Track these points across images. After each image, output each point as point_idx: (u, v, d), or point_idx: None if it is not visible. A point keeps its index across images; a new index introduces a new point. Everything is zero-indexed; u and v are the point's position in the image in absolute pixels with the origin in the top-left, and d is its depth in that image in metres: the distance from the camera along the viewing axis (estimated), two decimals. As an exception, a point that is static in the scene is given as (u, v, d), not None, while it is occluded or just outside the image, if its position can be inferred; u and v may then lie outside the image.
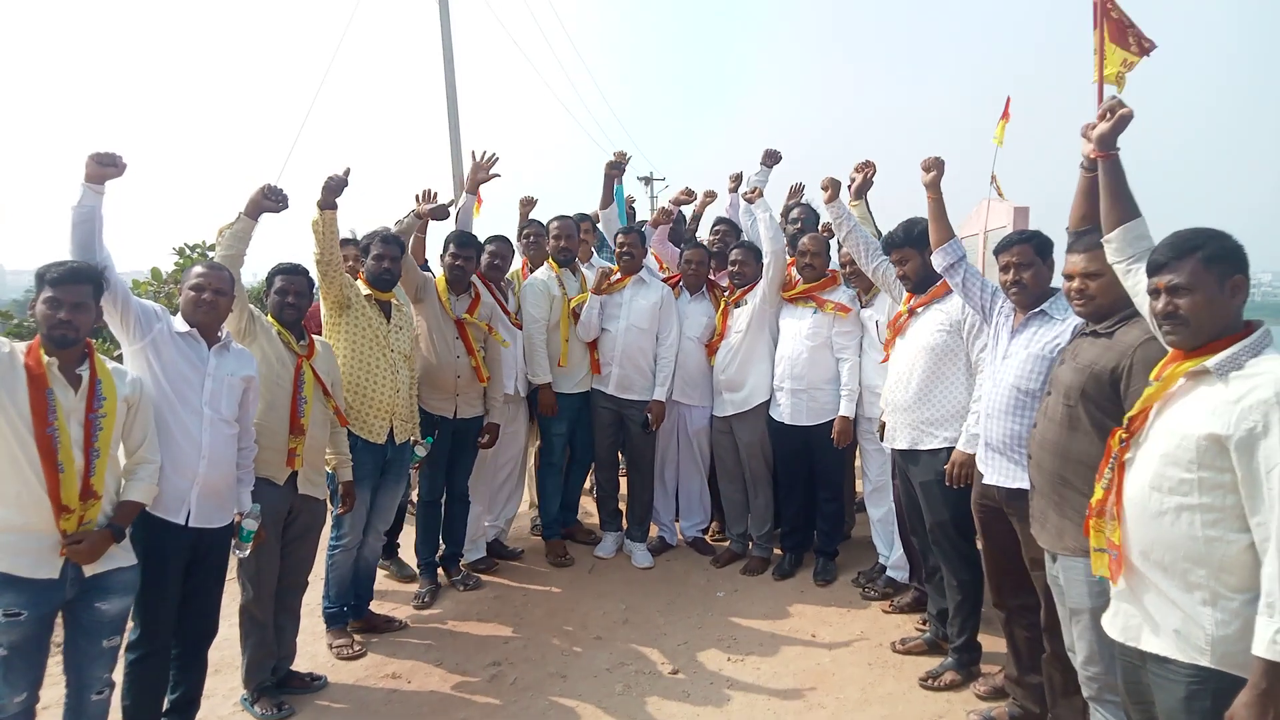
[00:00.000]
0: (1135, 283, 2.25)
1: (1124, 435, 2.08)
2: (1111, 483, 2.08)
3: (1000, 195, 10.36)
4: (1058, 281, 2.89)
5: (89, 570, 2.55)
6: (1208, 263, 1.94)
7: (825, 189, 4.06)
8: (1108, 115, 2.32)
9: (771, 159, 5.32)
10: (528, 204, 5.84)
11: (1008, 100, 9.35)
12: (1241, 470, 1.80)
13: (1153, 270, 2.03)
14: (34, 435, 2.41)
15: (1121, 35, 5.55)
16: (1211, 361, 1.90)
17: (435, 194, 4.24)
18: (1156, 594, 1.96)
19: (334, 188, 3.51)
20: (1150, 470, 1.98)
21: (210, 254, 5.65)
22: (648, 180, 30.86)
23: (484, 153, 4.65)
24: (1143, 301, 2.20)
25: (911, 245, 3.57)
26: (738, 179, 5.44)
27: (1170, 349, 2.05)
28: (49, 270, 2.52)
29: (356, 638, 3.93)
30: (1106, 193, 2.34)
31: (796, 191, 5.71)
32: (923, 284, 3.60)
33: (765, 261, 4.59)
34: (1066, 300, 2.73)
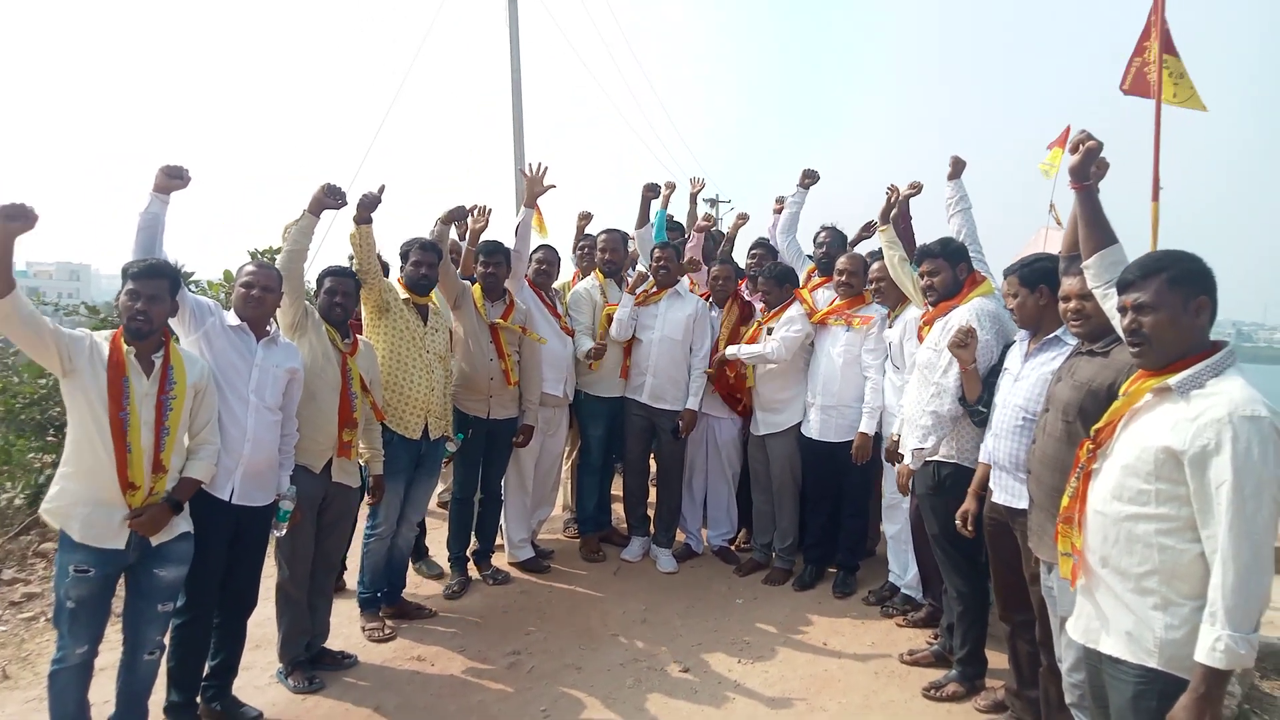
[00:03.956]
0: (1112, 306, 2.33)
1: (1092, 447, 2.16)
2: (1078, 491, 2.16)
3: (1059, 223, 10.27)
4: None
5: (155, 540, 2.83)
6: (1173, 283, 2.02)
7: (952, 165, 4.30)
8: (1077, 148, 2.41)
9: (809, 179, 5.43)
10: (585, 218, 6.12)
11: (1067, 129, 9.27)
12: (1194, 484, 1.89)
13: (1121, 289, 2.12)
14: (108, 417, 2.71)
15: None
16: (1174, 380, 1.98)
17: (489, 210, 4.54)
18: (1113, 598, 2.05)
19: (368, 204, 3.76)
20: (1113, 480, 2.06)
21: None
22: (713, 202, 30.75)
23: (535, 165, 4.77)
24: (1119, 323, 2.28)
25: (945, 259, 3.68)
26: (782, 201, 5.62)
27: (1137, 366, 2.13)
28: (131, 265, 2.85)
29: (388, 622, 4.16)
30: (1083, 221, 2.43)
31: (869, 228, 5.79)
32: (943, 298, 3.70)
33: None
34: (1064, 321, 2.80)
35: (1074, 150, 2.43)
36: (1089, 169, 2.42)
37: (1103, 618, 2.08)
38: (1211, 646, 1.79)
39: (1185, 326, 2.01)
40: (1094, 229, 2.41)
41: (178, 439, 2.88)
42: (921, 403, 3.56)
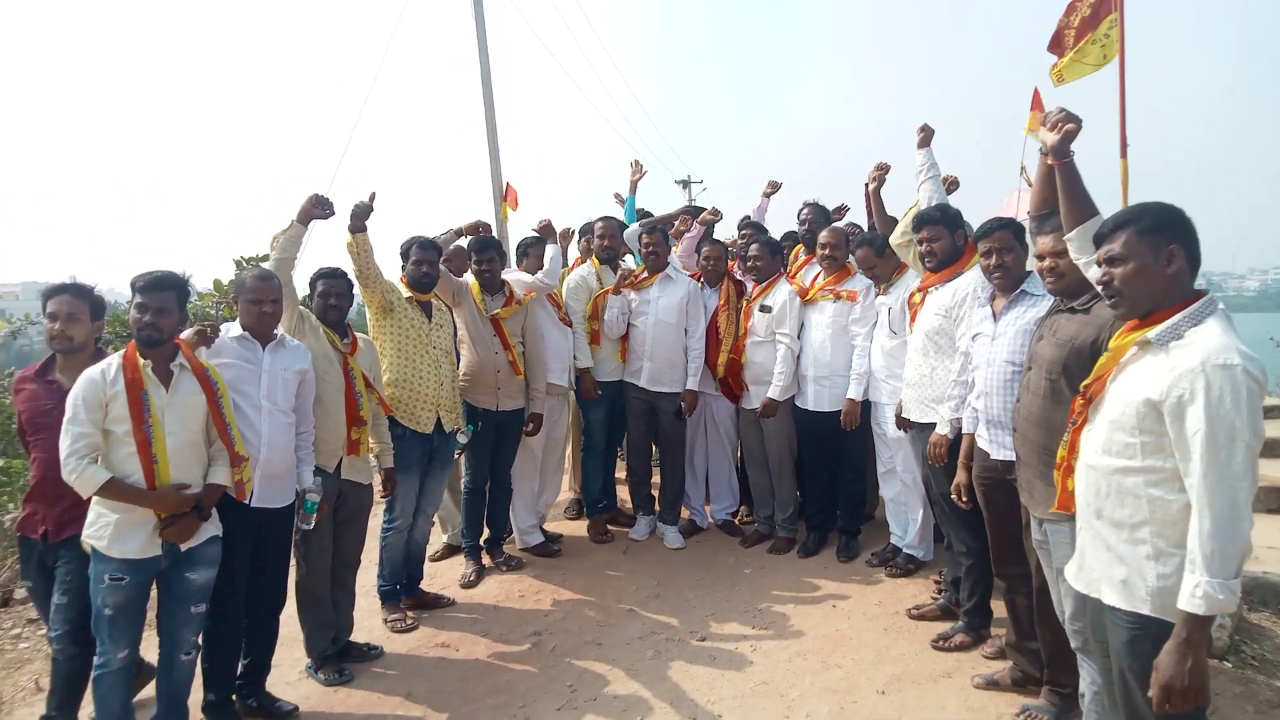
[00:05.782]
0: (1096, 274, 2.42)
1: (1083, 402, 2.26)
2: (1069, 442, 2.28)
3: (1030, 185, 10.41)
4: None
5: (185, 546, 2.93)
6: (1142, 234, 2.07)
7: (921, 132, 4.34)
8: (1057, 128, 2.46)
9: (772, 188, 6.05)
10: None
11: (1035, 91, 9.43)
12: (1174, 434, 1.95)
13: (1097, 243, 2.21)
14: (132, 432, 2.79)
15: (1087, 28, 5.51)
16: (1153, 332, 2.04)
17: (489, 227, 4.66)
18: (1106, 549, 2.15)
19: (360, 213, 3.83)
20: (1102, 435, 2.15)
21: (265, 264, 6.06)
22: (685, 184, 30.70)
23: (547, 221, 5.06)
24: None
25: (945, 225, 3.79)
26: (775, 186, 5.98)
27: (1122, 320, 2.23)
28: (139, 279, 2.92)
29: (409, 613, 4.28)
30: (1064, 196, 2.47)
31: (841, 210, 5.90)
32: (943, 265, 3.80)
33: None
34: (1040, 279, 2.93)
35: (1054, 129, 2.46)
36: (1068, 148, 2.46)
37: (1101, 568, 2.17)
38: (1191, 593, 1.86)
39: (1156, 275, 2.06)
40: (1076, 202, 2.45)
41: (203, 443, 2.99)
42: (941, 371, 3.68)
